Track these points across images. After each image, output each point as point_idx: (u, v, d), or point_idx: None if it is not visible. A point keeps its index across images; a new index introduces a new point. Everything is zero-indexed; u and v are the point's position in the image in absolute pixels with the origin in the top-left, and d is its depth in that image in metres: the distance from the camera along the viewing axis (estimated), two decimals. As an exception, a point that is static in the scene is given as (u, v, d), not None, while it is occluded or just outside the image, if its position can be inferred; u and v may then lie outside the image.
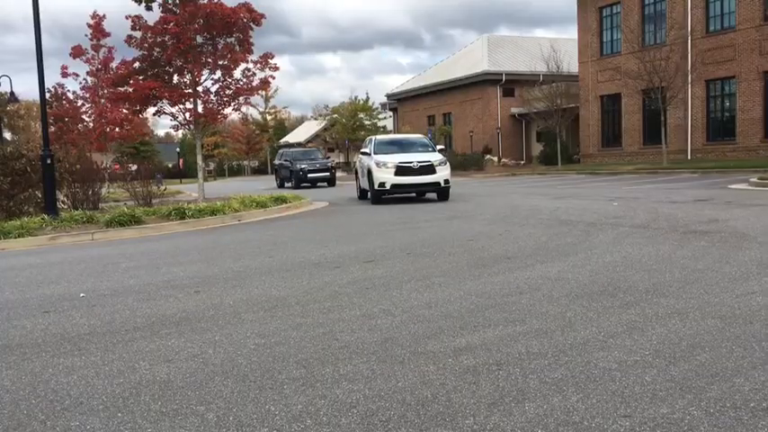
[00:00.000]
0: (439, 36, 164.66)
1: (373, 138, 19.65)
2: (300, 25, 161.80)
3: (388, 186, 16.68)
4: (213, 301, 5.73)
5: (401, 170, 16.59)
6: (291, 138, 73.28)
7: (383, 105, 57.64)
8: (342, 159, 62.80)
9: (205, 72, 18.67)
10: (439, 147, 18.91)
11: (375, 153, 17.51)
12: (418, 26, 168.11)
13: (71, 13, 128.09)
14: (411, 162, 16.61)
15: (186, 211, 13.70)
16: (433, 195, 17.71)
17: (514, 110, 43.36)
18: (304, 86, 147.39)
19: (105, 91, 26.26)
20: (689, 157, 30.72)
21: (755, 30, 28.15)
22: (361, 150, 19.13)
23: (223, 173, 68.59)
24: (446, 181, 16.77)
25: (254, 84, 18.91)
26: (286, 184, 32.37)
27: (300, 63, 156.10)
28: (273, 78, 19.29)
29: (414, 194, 17.91)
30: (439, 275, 6.44)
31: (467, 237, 9.32)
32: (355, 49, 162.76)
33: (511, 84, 42.71)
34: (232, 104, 19.13)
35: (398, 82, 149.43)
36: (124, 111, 23.76)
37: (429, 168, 16.59)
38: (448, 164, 17.26)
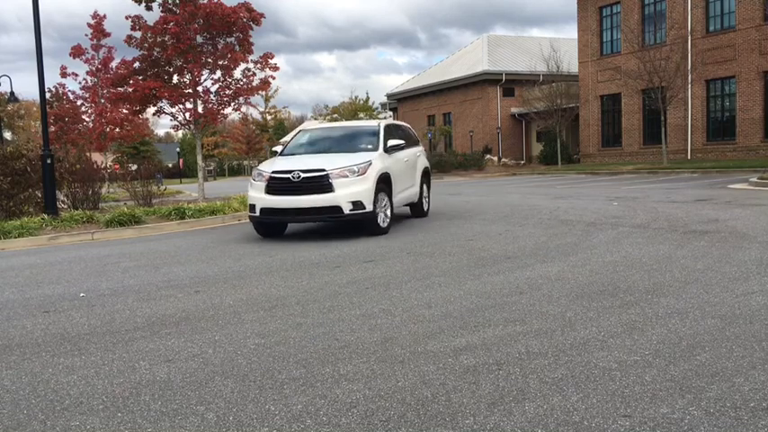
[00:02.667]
0: (435, 36, 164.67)
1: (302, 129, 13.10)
2: (296, 24, 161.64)
3: (257, 212, 10.13)
4: (213, 301, 5.73)
5: (274, 186, 9.93)
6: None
7: (383, 105, 57.61)
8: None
9: (205, 72, 18.68)
10: (392, 142, 11.08)
11: (282, 154, 11.48)
12: (414, 25, 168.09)
13: (63, 12, 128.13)
14: (291, 171, 9.83)
15: (186, 211, 13.69)
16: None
17: (514, 110, 43.34)
18: (300, 86, 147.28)
19: (105, 91, 26.27)
20: (689, 157, 30.72)
21: (755, 30, 28.15)
22: (273, 149, 13.15)
23: (223, 173, 68.59)
24: (357, 204, 9.69)
25: (253, 84, 18.92)
26: None
27: (296, 62, 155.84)
28: (274, 78, 19.31)
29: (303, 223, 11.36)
30: (439, 275, 6.44)
31: (467, 236, 9.32)
32: (351, 49, 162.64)
33: (511, 84, 42.69)
34: (232, 104, 19.14)
35: (395, 81, 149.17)
36: (124, 111, 23.77)
37: (318, 183, 9.69)
38: (374, 171, 9.96)
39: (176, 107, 18.72)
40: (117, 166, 32.14)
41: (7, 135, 56.63)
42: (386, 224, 10.26)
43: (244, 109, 24.13)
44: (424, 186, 12.59)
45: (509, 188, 21.33)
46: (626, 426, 2.88)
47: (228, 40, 18.40)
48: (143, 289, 6.48)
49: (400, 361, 3.87)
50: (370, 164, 10.03)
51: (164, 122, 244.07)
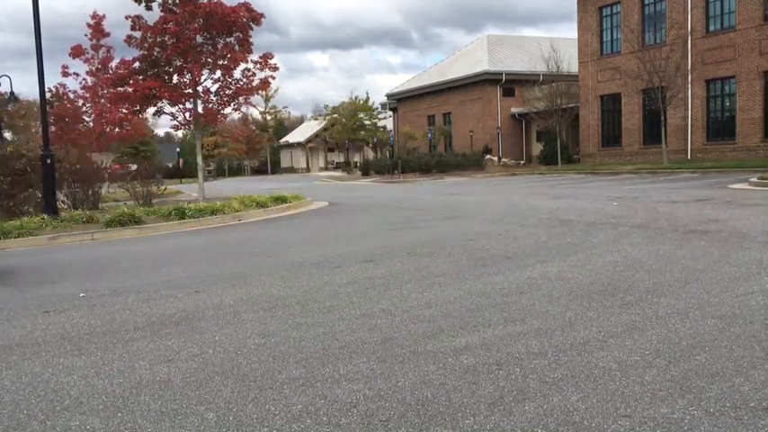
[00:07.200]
0: (427, 35, 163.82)
1: None
2: (288, 23, 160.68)
3: None
4: (213, 301, 5.73)
5: None
6: (291, 137, 73.29)
7: (383, 105, 57.59)
8: (342, 159, 62.83)
9: (205, 72, 18.69)
10: None
11: None
12: (407, 24, 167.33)
13: (51, 11, 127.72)
14: None
15: (186, 211, 13.70)
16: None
17: (514, 110, 43.34)
18: (295, 85, 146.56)
19: (105, 91, 26.28)
20: (689, 157, 30.71)
21: (755, 30, 28.14)
22: None
23: (223, 173, 68.57)
24: None
25: (253, 84, 18.93)
26: None
27: (289, 62, 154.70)
28: (273, 78, 19.33)
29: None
30: (439, 275, 6.44)
31: (467, 237, 9.31)
32: (344, 48, 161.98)
33: (511, 83, 42.68)
34: (232, 104, 19.15)
35: (389, 80, 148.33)
36: (123, 111, 23.80)
37: None
38: None
39: (176, 107, 18.74)
40: (117, 166, 32.08)
41: (7, 135, 56.57)
42: None
43: (244, 109, 24.19)
44: None
45: (509, 188, 21.32)
46: (626, 426, 2.87)
47: (228, 39, 18.42)
48: (143, 289, 6.48)
49: (400, 361, 3.87)
50: None
51: (164, 122, 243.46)
